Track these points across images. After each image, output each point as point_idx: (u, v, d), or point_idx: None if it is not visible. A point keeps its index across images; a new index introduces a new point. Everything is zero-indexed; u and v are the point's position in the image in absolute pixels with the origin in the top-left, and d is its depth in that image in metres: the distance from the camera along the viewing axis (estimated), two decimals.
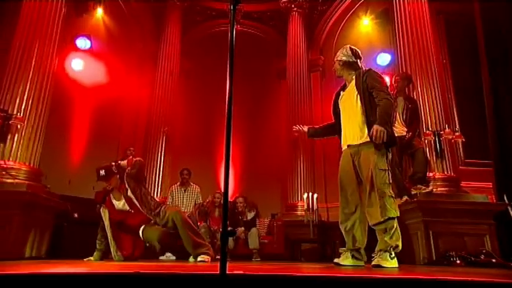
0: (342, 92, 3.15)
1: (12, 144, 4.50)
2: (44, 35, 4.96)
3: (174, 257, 5.21)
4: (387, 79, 6.30)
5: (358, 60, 3.08)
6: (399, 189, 4.72)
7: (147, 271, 1.67)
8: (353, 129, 2.95)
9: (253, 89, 8.05)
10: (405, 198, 4.62)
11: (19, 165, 4.48)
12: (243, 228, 5.52)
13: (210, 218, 5.72)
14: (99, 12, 7.23)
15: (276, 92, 8.78)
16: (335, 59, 3.14)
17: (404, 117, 4.78)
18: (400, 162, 4.72)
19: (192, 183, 5.90)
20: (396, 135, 4.74)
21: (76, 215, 4.72)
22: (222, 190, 6.18)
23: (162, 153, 7.16)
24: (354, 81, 2.99)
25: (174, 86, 7.70)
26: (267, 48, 8.88)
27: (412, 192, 4.60)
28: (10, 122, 4.48)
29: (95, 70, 6.65)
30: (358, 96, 2.92)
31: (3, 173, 4.31)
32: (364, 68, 3.08)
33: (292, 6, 8.29)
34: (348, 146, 3.00)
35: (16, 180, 4.31)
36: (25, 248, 4.14)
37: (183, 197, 5.79)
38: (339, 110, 3.11)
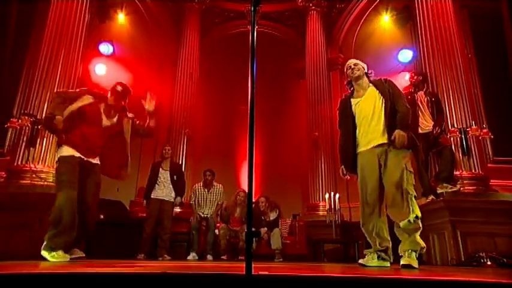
0: (353, 100, 3.19)
1: (41, 148, 4.68)
2: (69, 42, 5.14)
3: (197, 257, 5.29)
4: (408, 76, 6.21)
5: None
6: (425, 188, 4.62)
7: (174, 271, 1.70)
8: (378, 130, 2.98)
9: (273, 89, 8.05)
10: (431, 197, 4.51)
11: (47, 168, 4.65)
12: (265, 228, 5.52)
13: (231, 218, 5.74)
14: (121, 18, 7.41)
15: (296, 92, 8.75)
16: (356, 64, 3.21)
17: (430, 110, 4.71)
18: (426, 160, 4.62)
19: (215, 183, 5.87)
20: (423, 131, 4.69)
21: (102, 216, 4.84)
22: (245, 190, 6.21)
23: (184, 154, 7.25)
24: (372, 88, 3.11)
25: (194, 87, 7.79)
26: (285, 48, 8.86)
27: (438, 192, 4.48)
28: (39, 127, 4.66)
29: (118, 74, 6.81)
30: (383, 100, 3.01)
31: (33, 176, 4.49)
32: (374, 77, 3.23)
33: (310, 5, 8.23)
34: (375, 146, 2.99)
35: (45, 183, 4.47)
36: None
37: (206, 198, 5.74)
38: (351, 117, 3.15)
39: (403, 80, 6.20)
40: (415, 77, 5.03)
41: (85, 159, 3.35)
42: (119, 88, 3.62)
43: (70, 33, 5.18)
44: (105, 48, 6.66)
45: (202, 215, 5.65)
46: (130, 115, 3.70)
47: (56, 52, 5.04)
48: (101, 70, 6.54)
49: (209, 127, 8.15)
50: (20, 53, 5.98)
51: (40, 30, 5.49)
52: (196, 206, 5.74)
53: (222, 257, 5.36)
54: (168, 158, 5.68)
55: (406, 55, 6.76)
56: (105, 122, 3.52)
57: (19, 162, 4.63)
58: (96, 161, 3.47)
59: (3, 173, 4.66)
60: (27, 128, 4.67)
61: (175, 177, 5.53)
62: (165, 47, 8.25)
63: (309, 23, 8.20)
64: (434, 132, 4.56)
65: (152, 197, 5.35)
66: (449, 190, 4.42)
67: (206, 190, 5.80)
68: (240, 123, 7.85)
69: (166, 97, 7.80)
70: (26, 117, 4.66)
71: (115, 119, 3.59)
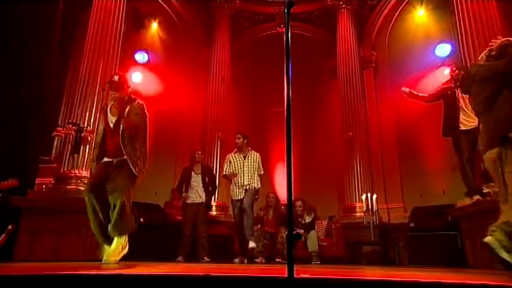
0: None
1: (84, 155, 4.91)
2: (107, 52, 5.37)
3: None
4: (447, 71, 5.95)
5: None
6: (469, 188, 4.41)
7: (217, 273, 1.72)
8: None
9: (305, 89, 7.97)
10: (476, 197, 4.29)
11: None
12: (302, 231, 5.47)
13: (264, 220, 5.72)
14: (154, 26, 7.66)
15: (328, 92, 8.62)
16: None
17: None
18: (471, 158, 4.39)
19: (251, 150, 5.39)
20: (465, 128, 4.46)
21: (142, 220, 5.00)
22: (274, 192, 6.13)
23: (218, 158, 7.35)
24: None
25: (226, 91, 7.89)
26: (316, 48, 8.76)
27: (484, 191, 4.25)
28: (82, 135, 4.89)
29: (153, 81, 7.04)
30: None
31: (78, 181, 4.71)
32: None
33: (341, 3, 8.10)
34: None
35: None
36: (99, 251, 4.47)
37: (243, 165, 5.21)
38: None
39: (441, 75, 5.96)
40: (457, 71, 4.78)
41: None
42: (116, 78, 3.54)
43: (108, 44, 5.41)
44: (141, 56, 6.92)
45: (238, 195, 5.16)
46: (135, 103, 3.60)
47: (95, 63, 5.28)
48: (137, 78, 6.78)
49: (242, 130, 8.19)
50: (63, 64, 6.30)
51: (81, 40, 5.76)
52: (232, 176, 5.22)
53: (256, 260, 5.18)
54: (200, 162, 5.76)
55: (444, 49, 6.49)
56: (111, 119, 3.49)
57: (65, 169, 4.87)
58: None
59: (51, 178, 4.92)
60: (71, 136, 4.91)
61: (207, 179, 5.60)
62: (197, 52, 8.42)
63: (340, 21, 8.08)
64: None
65: (187, 202, 5.45)
66: (496, 189, 4.18)
67: (242, 157, 5.27)
68: (272, 125, 7.84)
69: (199, 102, 7.96)
70: (70, 126, 4.91)
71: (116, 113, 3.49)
